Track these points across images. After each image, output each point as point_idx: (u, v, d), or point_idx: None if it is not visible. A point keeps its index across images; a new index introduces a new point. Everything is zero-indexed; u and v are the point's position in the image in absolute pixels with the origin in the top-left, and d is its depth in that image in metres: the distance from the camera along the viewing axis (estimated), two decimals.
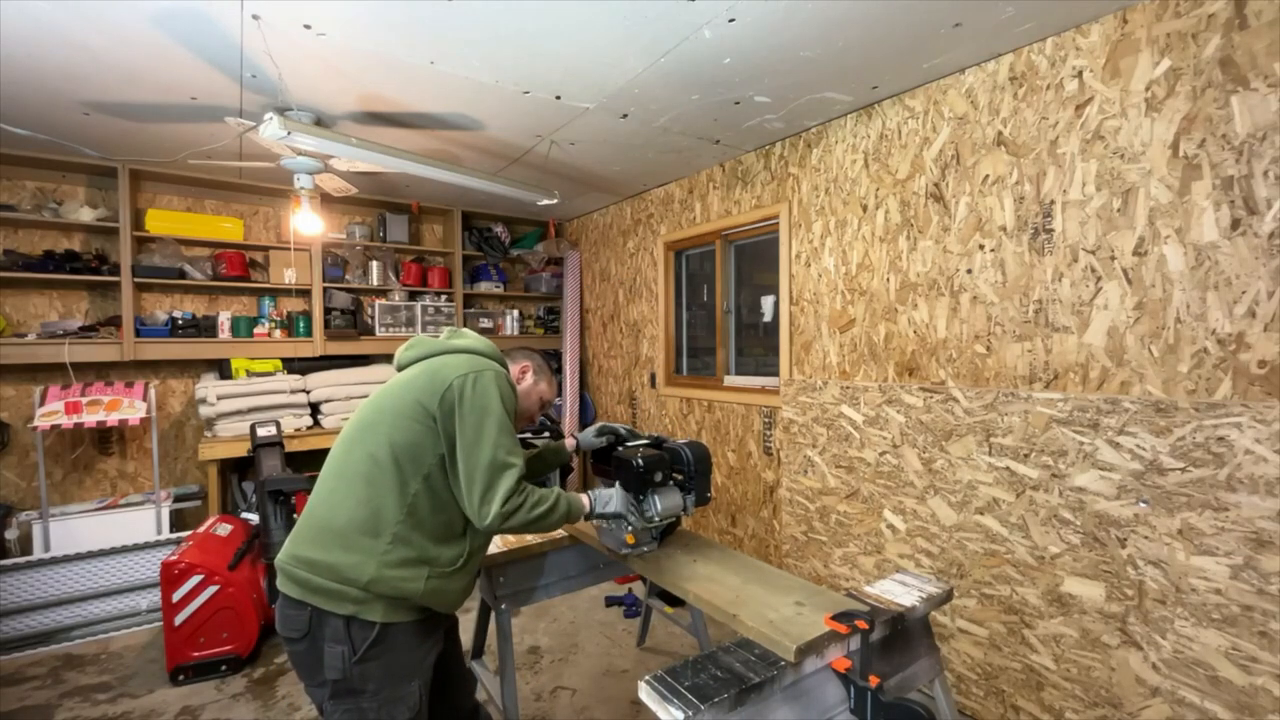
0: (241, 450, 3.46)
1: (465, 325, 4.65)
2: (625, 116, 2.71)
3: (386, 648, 1.34)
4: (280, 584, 1.38)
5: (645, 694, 1.22)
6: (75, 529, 3.17)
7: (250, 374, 3.80)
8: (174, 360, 3.79)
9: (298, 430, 3.74)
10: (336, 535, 1.33)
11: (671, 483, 1.81)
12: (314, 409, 3.92)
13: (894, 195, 2.53)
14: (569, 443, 1.99)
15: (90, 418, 3.15)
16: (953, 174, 2.31)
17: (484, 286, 4.79)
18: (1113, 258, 1.89)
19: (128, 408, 3.26)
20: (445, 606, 1.44)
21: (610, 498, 1.69)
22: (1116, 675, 1.85)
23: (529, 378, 1.71)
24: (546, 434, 4.02)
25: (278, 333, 3.92)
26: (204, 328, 3.69)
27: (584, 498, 1.64)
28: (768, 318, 3.42)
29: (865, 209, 2.65)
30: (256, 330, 3.85)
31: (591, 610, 3.21)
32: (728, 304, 3.59)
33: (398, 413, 1.40)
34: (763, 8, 1.83)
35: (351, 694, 1.34)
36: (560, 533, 2.08)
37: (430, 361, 1.51)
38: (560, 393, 4.87)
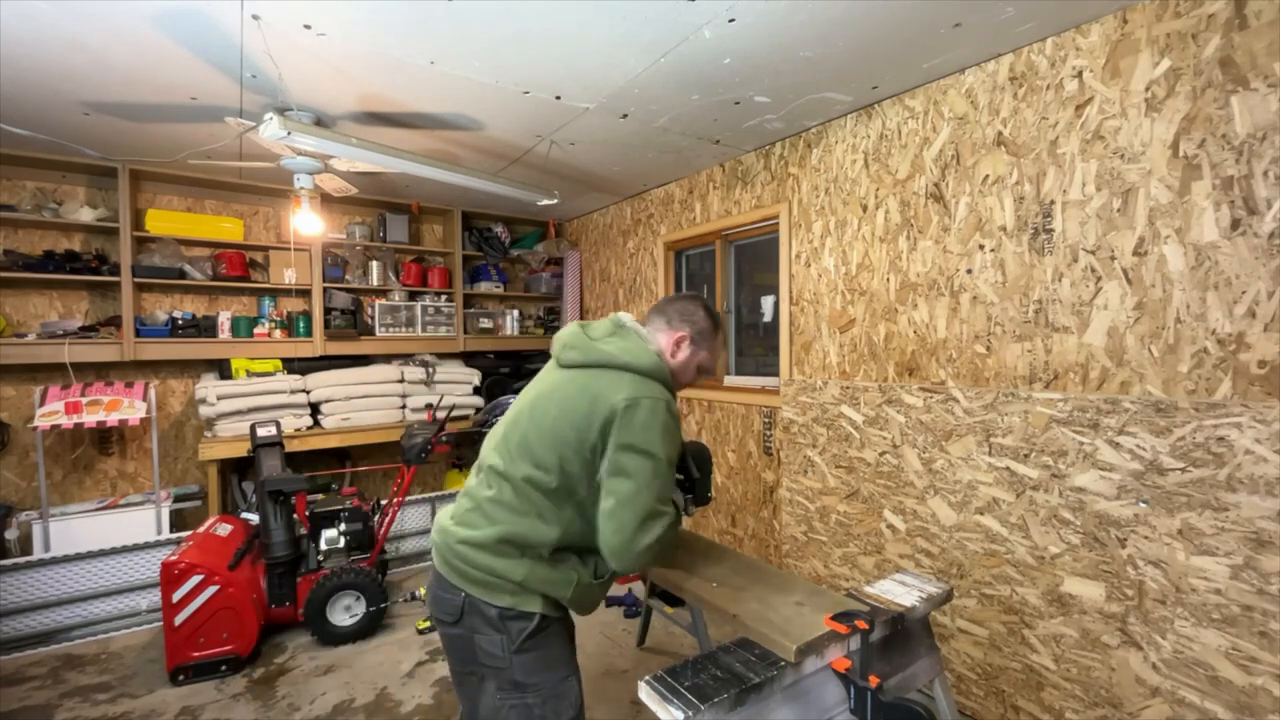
0: (241, 450, 3.47)
1: (465, 325, 4.64)
2: (625, 116, 2.71)
3: (544, 639, 1.34)
4: (436, 563, 1.38)
5: (645, 694, 1.22)
6: (75, 529, 3.17)
7: (250, 374, 3.80)
8: (174, 360, 3.79)
9: (298, 430, 3.74)
10: (491, 543, 1.32)
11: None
12: (314, 409, 3.93)
13: (894, 195, 2.53)
14: None
15: (90, 418, 3.15)
16: (953, 174, 2.31)
17: (484, 286, 4.79)
18: (1113, 258, 1.89)
19: (128, 408, 3.26)
20: (586, 609, 1.44)
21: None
22: (1116, 675, 1.85)
23: (685, 349, 1.49)
24: None
25: (278, 333, 3.92)
26: (204, 328, 3.69)
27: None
28: (768, 318, 3.42)
29: (865, 209, 2.65)
30: (256, 330, 3.85)
31: None
32: (728, 304, 3.59)
33: (558, 438, 1.32)
34: (763, 8, 1.83)
35: (517, 688, 1.32)
36: None
37: (589, 380, 1.36)
38: None
